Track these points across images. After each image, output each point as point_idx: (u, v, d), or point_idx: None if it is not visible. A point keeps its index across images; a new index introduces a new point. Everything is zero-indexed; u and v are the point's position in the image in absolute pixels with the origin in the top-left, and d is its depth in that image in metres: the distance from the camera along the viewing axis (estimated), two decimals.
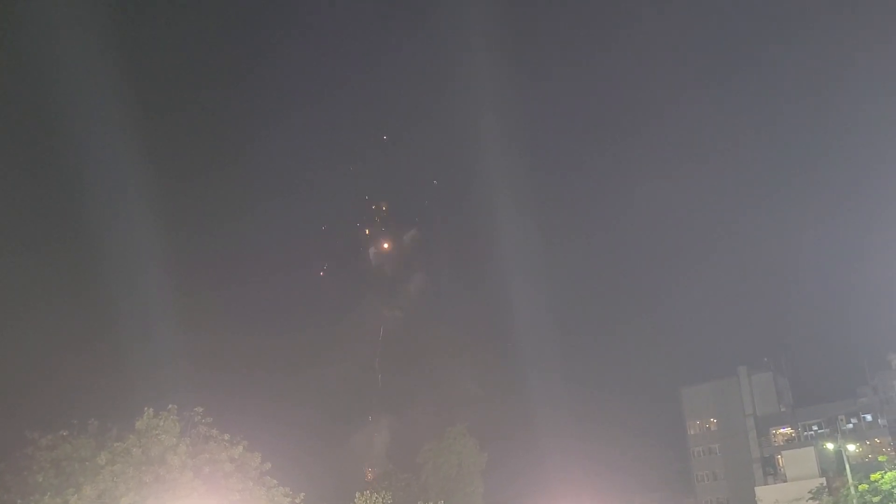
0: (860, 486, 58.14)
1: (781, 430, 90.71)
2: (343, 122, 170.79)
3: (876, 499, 54.62)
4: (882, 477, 56.25)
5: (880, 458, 69.01)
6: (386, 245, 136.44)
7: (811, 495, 68.85)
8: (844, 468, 63.47)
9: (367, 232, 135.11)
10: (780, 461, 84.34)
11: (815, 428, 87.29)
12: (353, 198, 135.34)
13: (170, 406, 37.90)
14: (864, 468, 66.76)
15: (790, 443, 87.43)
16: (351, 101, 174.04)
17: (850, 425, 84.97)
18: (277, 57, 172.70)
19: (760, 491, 79.97)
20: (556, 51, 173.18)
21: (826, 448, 75.55)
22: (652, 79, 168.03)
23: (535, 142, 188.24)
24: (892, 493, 54.31)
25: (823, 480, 70.90)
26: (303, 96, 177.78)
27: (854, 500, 57.59)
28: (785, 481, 78.25)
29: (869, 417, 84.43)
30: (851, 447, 78.21)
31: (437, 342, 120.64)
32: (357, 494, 57.31)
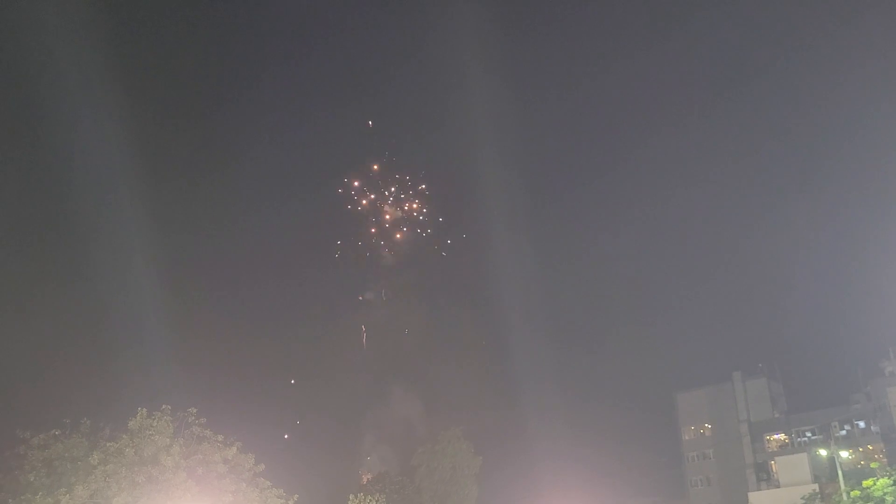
0: (852, 493, 58.27)
1: (775, 436, 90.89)
2: (340, 129, 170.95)
3: None
4: (874, 483, 56.43)
5: (872, 465, 69.19)
6: (383, 253, 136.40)
7: (804, 501, 68.89)
8: (837, 474, 63.61)
9: (360, 242, 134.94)
10: (774, 467, 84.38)
11: (808, 434, 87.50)
12: (348, 205, 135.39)
13: (163, 406, 37.82)
14: (856, 474, 66.94)
15: (784, 449, 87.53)
16: (349, 108, 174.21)
17: (844, 432, 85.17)
18: (275, 63, 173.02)
19: (753, 496, 79.93)
20: (553, 72, 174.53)
21: (819, 454, 75.66)
22: (649, 95, 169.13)
23: (531, 153, 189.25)
24: (884, 500, 54.46)
25: (816, 486, 70.90)
26: (302, 102, 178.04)
27: None
28: (778, 487, 78.18)
29: (862, 424, 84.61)
30: (844, 454, 78.40)
31: (434, 348, 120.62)
32: (351, 497, 57.29)
